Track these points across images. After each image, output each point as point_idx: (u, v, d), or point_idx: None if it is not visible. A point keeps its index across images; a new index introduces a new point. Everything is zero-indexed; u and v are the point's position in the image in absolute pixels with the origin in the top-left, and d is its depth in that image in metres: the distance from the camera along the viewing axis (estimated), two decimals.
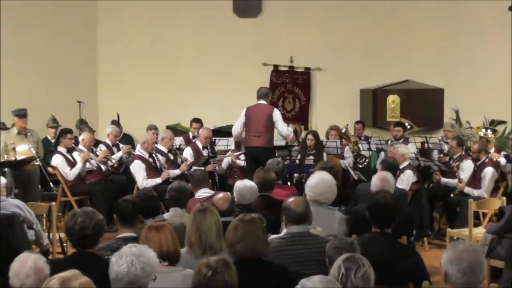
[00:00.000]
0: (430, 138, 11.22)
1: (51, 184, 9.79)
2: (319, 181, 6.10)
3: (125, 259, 3.70)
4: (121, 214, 5.36)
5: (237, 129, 9.81)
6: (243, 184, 6.46)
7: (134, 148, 10.92)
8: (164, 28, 13.53)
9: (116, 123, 12.01)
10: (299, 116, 13.58)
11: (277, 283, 4.30)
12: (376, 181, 6.68)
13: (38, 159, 9.59)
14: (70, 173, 10.02)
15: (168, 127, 12.21)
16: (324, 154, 10.32)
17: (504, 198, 8.32)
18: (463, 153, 10.17)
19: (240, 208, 5.99)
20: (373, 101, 13.14)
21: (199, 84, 13.46)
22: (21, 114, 9.66)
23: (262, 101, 9.68)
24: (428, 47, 13.15)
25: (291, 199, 5.30)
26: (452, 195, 9.62)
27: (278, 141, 10.51)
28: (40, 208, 8.14)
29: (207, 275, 3.64)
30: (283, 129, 9.72)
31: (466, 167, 9.70)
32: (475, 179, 9.45)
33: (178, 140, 11.22)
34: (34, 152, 9.52)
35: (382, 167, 8.01)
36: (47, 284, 3.26)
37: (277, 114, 9.63)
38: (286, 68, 13.69)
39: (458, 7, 12.81)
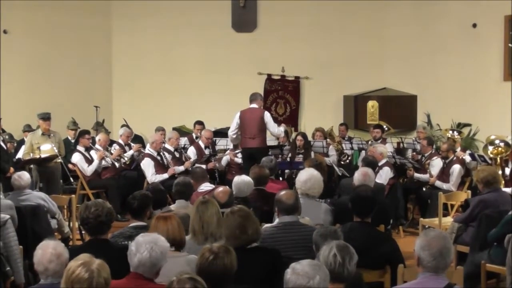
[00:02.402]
0: (405, 138, 11.22)
1: (71, 179, 9.77)
2: (309, 177, 6.10)
3: (144, 246, 3.75)
4: (130, 209, 5.37)
5: (232, 131, 9.79)
6: (241, 179, 6.46)
7: (144, 147, 10.91)
8: (171, 43, 13.51)
9: (125, 126, 11.98)
10: (290, 119, 13.55)
11: (271, 265, 4.29)
12: (358, 176, 6.69)
13: (60, 157, 9.59)
14: (88, 169, 10.02)
15: (174, 129, 12.18)
16: (312, 153, 10.32)
17: (469, 191, 8.33)
18: (433, 151, 10.19)
19: (238, 200, 5.99)
20: (354, 106, 13.13)
21: (201, 90, 13.45)
22: (46, 117, 9.65)
23: (254, 105, 9.66)
24: (403, 59, 13.15)
25: (282, 192, 5.30)
26: (424, 189, 9.62)
27: (271, 141, 10.51)
28: (61, 200, 8.15)
29: (209, 259, 3.65)
30: (274, 130, 9.73)
31: (436, 164, 9.72)
32: (444, 175, 9.46)
33: (183, 140, 11.19)
34: (56, 150, 9.50)
35: (363, 164, 8.02)
36: (73, 273, 3.27)
37: (267, 116, 9.61)
38: (278, 77, 13.67)
39: (428, 25, 12.82)
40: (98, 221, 4.58)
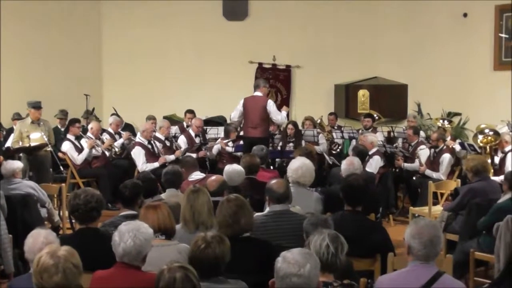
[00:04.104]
0: (396, 127, 11.22)
1: (61, 167, 9.73)
2: (301, 165, 6.11)
3: (128, 235, 3.73)
4: (121, 198, 5.36)
5: (235, 117, 9.72)
6: (232, 168, 6.46)
7: (134, 135, 10.89)
8: (162, 30, 13.45)
9: (114, 115, 11.95)
10: (281, 109, 13.52)
11: (264, 257, 4.29)
12: (344, 166, 6.73)
13: (49, 146, 9.55)
14: (78, 158, 9.99)
15: (165, 117, 12.14)
16: (303, 142, 10.33)
17: (459, 180, 8.37)
18: (419, 140, 10.23)
19: (229, 189, 5.98)
20: (345, 95, 13.15)
21: (192, 79, 13.42)
22: (37, 106, 9.61)
23: (258, 93, 9.47)
24: (393, 48, 13.17)
25: (273, 181, 5.30)
26: (414, 178, 9.66)
27: None
28: (51, 189, 8.13)
29: (201, 247, 3.66)
30: (277, 118, 9.55)
31: (423, 153, 9.76)
32: (434, 164, 9.49)
33: (174, 129, 11.18)
34: (46, 139, 9.47)
35: (353, 153, 8.03)
36: (39, 261, 3.21)
37: (270, 105, 9.42)
38: (270, 66, 13.66)
39: (419, 14, 12.83)
40: (89, 207, 4.56)
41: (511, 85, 11.09)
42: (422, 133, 10.88)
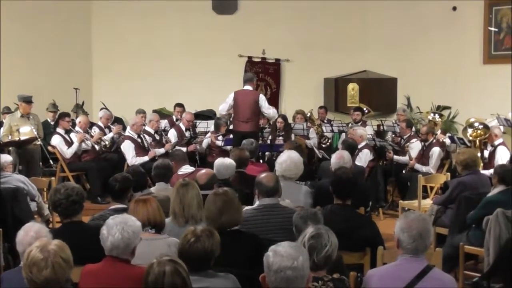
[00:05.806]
0: (385, 121, 11.25)
1: (51, 161, 9.70)
2: (286, 159, 6.10)
3: (115, 228, 3.72)
4: (111, 192, 5.34)
5: (223, 110, 9.67)
6: (222, 162, 6.45)
7: (124, 129, 10.85)
8: (152, 24, 13.38)
9: (104, 109, 11.90)
10: (270, 102, 13.46)
11: (251, 250, 4.28)
12: (334, 159, 6.71)
13: (39, 139, 9.52)
14: (68, 152, 9.95)
15: (154, 111, 12.10)
16: (292, 135, 10.32)
17: (449, 173, 8.38)
18: (412, 133, 10.25)
19: (218, 183, 5.98)
20: (335, 88, 13.13)
21: (182, 73, 13.37)
22: (29, 100, 9.59)
23: (248, 87, 9.45)
24: (383, 42, 13.15)
25: (263, 175, 5.30)
26: (403, 172, 9.68)
27: None
28: (41, 182, 8.10)
29: (190, 241, 3.65)
30: (269, 113, 9.53)
31: (414, 146, 9.77)
32: (424, 157, 9.50)
33: (164, 123, 11.16)
34: (35, 133, 9.44)
35: (343, 147, 8.02)
36: (28, 255, 3.21)
37: (262, 99, 9.40)
38: (259, 59, 13.62)
39: (408, 8, 12.81)
40: (70, 201, 4.55)
41: (500, 78, 11.14)
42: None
